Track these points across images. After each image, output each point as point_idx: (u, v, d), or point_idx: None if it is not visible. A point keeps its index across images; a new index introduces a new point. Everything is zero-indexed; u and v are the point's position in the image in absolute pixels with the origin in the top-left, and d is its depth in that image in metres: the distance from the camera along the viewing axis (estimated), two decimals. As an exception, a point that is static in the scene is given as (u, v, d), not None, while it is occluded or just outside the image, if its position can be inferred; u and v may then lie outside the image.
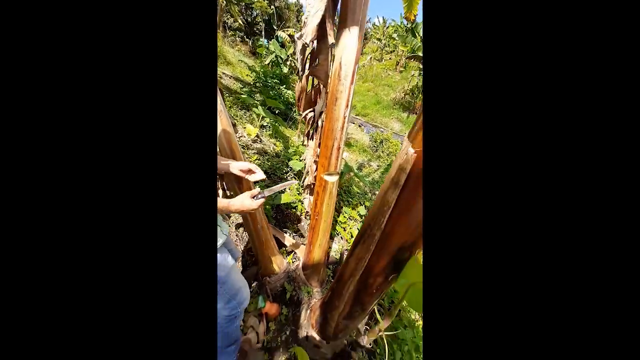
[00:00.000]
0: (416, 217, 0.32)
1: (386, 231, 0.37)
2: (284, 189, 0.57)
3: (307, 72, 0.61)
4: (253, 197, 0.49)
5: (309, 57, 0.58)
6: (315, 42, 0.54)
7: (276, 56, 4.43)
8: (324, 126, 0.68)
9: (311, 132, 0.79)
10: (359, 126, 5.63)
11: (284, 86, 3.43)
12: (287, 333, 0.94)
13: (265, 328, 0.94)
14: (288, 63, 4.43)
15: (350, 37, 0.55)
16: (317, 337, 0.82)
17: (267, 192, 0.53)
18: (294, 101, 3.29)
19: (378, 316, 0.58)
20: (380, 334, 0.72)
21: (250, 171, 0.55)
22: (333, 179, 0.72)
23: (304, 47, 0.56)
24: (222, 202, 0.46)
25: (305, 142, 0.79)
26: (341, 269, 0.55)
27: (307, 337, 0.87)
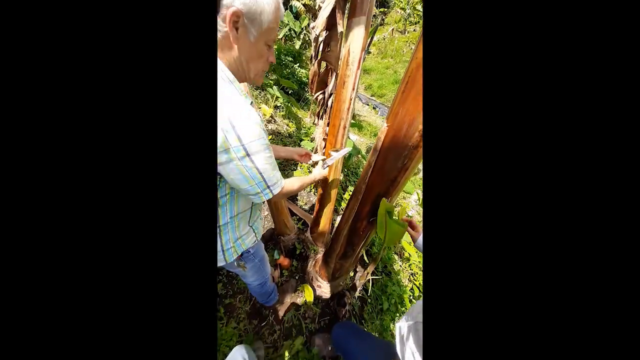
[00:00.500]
0: (387, 174, 0.47)
1: (368, 184, 0.52)
2: (344, 156, 0.75)
3: (319, 57, 0.71)
4: (323, 167, 0.65)
5: (321, 44, 0.67)
6: (326, 31, 0.62)
7: (290, 29, 4.22)
8: (333, 107, 0.79)
9: (321, 112, 0.91)
10: (374, 108, 5.40)
11: (297, 65, 3.36)
12: (296, 278, 1.19)
13: (279, 274, 1.20)
14: (302, 37, 4.22)
15: (358, 27, 0.63)
16: (319, 279, 1.05)
17: (330, 161, 0.68)
18: (306, 81, 3.25)
19: (366, 258, 0.76)
20: (368, 277, 0.91)
21: (307, 155, 0.70)
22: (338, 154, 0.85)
23: (317, 36, 0.65)
24: (311, 176, 0.61)
25: (316, 122, 0.91)
26: (339, 222, 0.72)
27: (312, 280, 1.11)
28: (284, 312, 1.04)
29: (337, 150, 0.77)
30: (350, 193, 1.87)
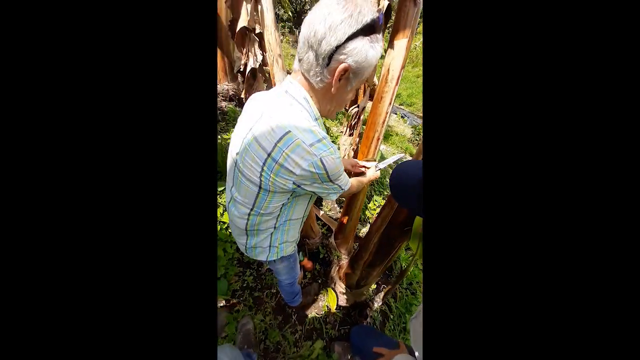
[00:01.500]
0: None
1: None
2: (395, 161, 0.83)
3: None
4: (375, 170, 0.72)
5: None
6: None
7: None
8: (368, 119, 0.84)
9: (353, 123, 0.96)
10: (402, 117, 5.24)
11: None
12: (319, 282, 1.22)
13: (303, 275, 1.25)
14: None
15: (399, 47, 0.68)
16: (343, 285, 1.06)
17: (382, 165, 0.74)
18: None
19: (392, 272, 0.76)
20: (393, 290, 0.89)
21: (359, 166, 0.77)
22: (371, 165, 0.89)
23: None
24: (366, 178, 0.66)
25: (349, 132, 0.97)
26: (369, 229, 0.74)
27: (335, 285, 1.12)
28: (307, 313, 1.08)
29: (367, 160, 0.81)
30: (375, 202, 1.85)
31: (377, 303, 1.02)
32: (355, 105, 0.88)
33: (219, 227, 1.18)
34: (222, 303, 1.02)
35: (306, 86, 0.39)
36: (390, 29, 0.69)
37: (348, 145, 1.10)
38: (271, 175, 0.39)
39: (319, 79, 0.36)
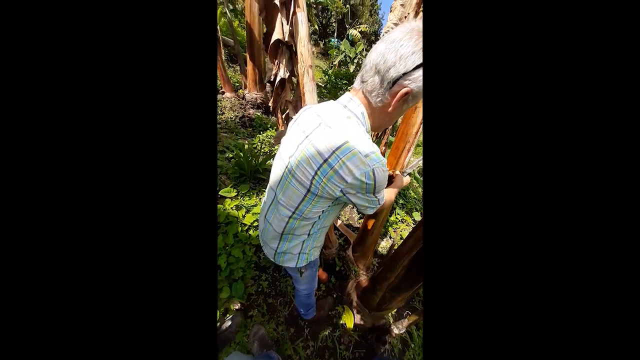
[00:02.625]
0: None
1: None
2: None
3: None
4: (403, 174, 0.72)
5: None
6: None
7: (345, 55, 4.63)
8: (399, 129, 0.80)
9: (380, 134, 0.93)
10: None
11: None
12: (334, 296, 1.16)
13: (317, 286, 1.21)
14: (355, 61, 4.53)
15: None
16: (360, 304, 0.99)
17: (409, 170, 0.73)
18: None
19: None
20: (418, 320, 0.79)
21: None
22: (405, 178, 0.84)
23: None
24: (396, 185, 0.67)
25: (374, 141, 0.94)
26: (398, 249, 0.68)
27: (351, 303, 1.05)
28: (320, 329, 1.02)
29: (394, 171, 0.77)
30: (397, 216, 1.74)
31: (399, 330, 0.92)
32: None
33: (239, 229, 1.22)
34: (237, 306, 1.03)
35: (365, 103, 0.42)
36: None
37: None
38: (323, 180, 0.41)
39: (379, 99, 0.39)
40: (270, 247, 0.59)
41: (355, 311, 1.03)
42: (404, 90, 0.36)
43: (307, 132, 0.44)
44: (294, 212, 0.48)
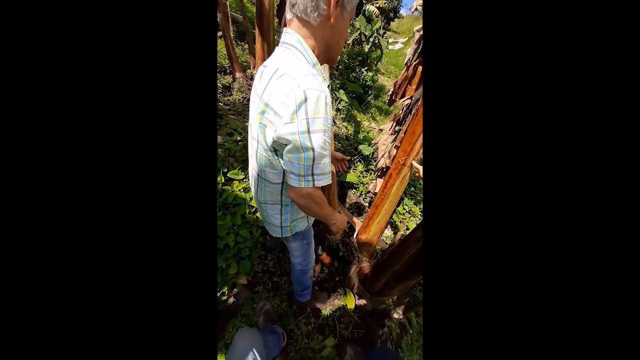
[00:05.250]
0: None
1: None
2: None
3: (416, 59, 0.66)
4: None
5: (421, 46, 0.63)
6: None
7: (360, 33, 4.25)
8: (417, 113, 0.73)
9: (401, 118, 0.85)
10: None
11: (365, 68, 3.33)
12: (337, 279, 1.20)
13: (320, 269, 1.24)
14: (371, 40, 4.17)
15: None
16: (362, 289, 1.01)
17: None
18: (371, 84, 3.18)
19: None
20: (418, 307, 0.79)
21: (344, 162, 0.76)
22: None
23: (420, 38, 0.61)
24: (331, 214, 0.55)
25: (394, 127, 0.87)
26: (407, 237, 0.66)
27: (353, 287, 1.08)
28: (322, 308, 1.07)
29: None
30: (405, 207, 1.71)
31: (398, 315, 0.95)
32: (408, 97, 0.78)
33: (247, 210, 1.24)
34: (244, 281, 1.08)
35: (300, 30, 0.39)
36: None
37: (390, 144, 1.00)
38: (263, 121, 0.38)
39: (316, 13, 0.36)
40: (262, 218, 0.60)
41: (356, 295, 1.06)
42: None
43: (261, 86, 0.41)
44: (259, 176, 0.47)
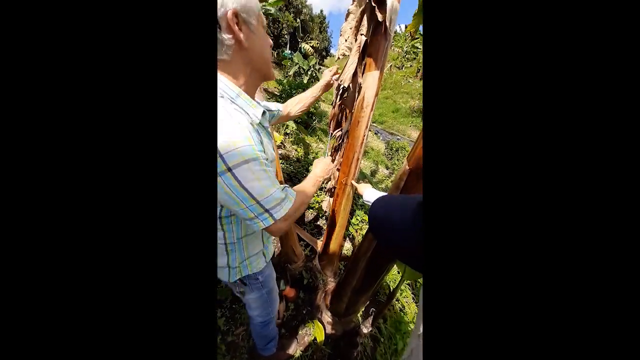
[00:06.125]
0: None
1: None
2: (355, 182, 0.74)
3: (339, 101, 0.81)
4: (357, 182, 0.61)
5: (341, 91, 0.79)
6: (348, 83, 0.74)
7: (299, 67, 4.82)
8: (348, 142, 0.87)
9: (336, 145, 0.99)
10: (375, 134, 5.69)
11: (306, 96, 3.68)
12: (304, 312, 1.11)
13: (285, 307, 1.13)
14: (309, 73, 4.79)
15: (372, 79, 0.74)
16: (330, 314, 0.99)
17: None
18: (313, 110, 3.53)
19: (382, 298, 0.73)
20: (383, 311, 0.85)
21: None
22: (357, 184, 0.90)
23: (340, 87, 0.77)
24: (315, 172, 0.53)
25: (332, 154, 0.99)
26: (356, 251, 0.72)
27: (322, 315, 1.03)
28: (291, 353, 0.95)
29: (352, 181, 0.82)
30: (357, 217, 1.87)
31: (367, 328, 0.97)
32: (339, 129, 0.92)
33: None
34: None
35: (223, 71, 0.36)
36: (364, 63, 0.76)
37: (333, 167, 1.12)
38: None
39: (224, 48, 0.34)
40: None
41: (325, 322, 1.02)
42: (229, 15, 0.32)
43: None
44: None
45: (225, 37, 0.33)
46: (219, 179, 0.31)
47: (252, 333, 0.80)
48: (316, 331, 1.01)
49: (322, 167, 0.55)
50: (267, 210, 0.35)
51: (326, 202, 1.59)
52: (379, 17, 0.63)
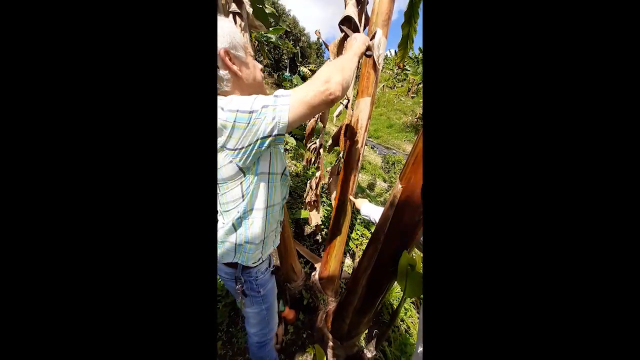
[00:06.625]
0: (404, 226, 0.52)
1: (387, 236, 0.56)
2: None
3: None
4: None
5: (337, 113, 0.86)
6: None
7: (298, 88, 5.14)
8: (345, 161, 0.92)
9: (314, 159, 1.05)
10: (372, 148, 5.86)
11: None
12: (304, 336, 1.05)
13: (284, 330, 1.07)
14: (308, 94, 5.08)
15: (365, 104, 0.82)
16: (332, 338, 0.94)
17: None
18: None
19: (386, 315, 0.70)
20: (387, 333, 0.81)
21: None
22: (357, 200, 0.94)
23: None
24: (354, 45, 0.50)
25: (311, 165, 1.05)
26: (355, 270, 0.72)
27: (323, 339, 0.98)
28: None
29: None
30: (357, 232, 1.85)
31: (371, 353, 0.91)
32: (313, 142, 1.00)
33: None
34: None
35: (225, 101, 0.41)
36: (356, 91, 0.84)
37: (332, 183, 1.17)
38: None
39: (224, 80, 0.41)
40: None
41: (327, 347, 0.96)
42: (221, 53, 0.39)
43: None
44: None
45: (222, 73, 0.40)
46: (237, 117, 0.36)
47: (249, 354, 0.76)
48: (317, 357, 0.95)
49: (362, 42, 0.52)
50: (275, 96, 0.38)
51: (313, 216, 1.58)
52: (368, 53, 0.73)
